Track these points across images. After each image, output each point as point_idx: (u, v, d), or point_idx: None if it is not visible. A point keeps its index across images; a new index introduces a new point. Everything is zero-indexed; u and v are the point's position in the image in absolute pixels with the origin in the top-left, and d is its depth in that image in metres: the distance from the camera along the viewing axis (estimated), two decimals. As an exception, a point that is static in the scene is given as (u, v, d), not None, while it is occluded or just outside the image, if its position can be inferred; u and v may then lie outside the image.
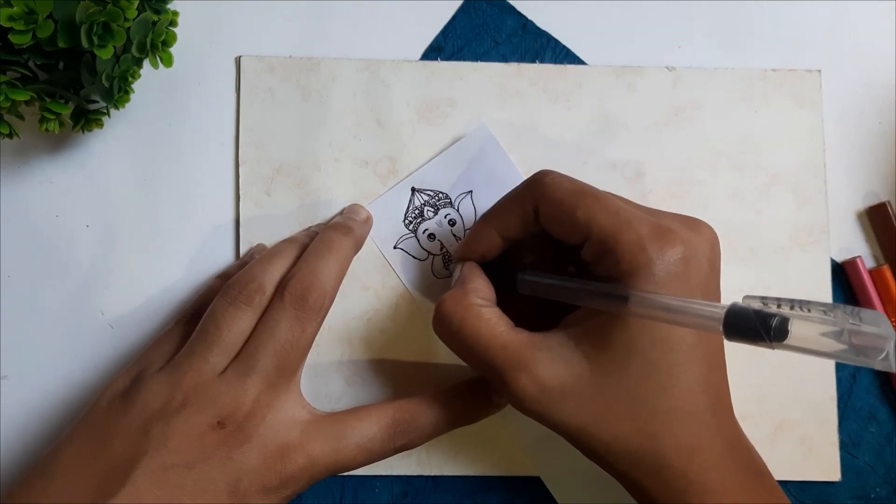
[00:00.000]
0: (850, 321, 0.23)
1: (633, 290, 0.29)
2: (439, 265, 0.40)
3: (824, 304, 0.24)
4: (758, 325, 0.24)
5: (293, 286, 0.33)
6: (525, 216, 0.33)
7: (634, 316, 0.29)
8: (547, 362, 0.30)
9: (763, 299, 0.25)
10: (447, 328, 0.33)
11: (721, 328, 0.25)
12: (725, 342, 0.27)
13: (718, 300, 0.31)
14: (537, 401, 0.30)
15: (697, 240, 0.30)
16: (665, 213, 0.32)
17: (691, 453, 0.30)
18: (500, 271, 0.36)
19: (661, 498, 0.30)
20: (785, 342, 0.24)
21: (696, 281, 0.30)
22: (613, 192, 0.33)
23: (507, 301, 0.35)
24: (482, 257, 0.36)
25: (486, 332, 0.32)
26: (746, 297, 0.25)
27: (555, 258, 0.36)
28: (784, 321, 0.24)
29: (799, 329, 0.24)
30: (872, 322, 0.23)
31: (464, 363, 0.34)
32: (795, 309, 0.24)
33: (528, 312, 0.34)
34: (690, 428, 0.30)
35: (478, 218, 0.36)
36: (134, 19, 0.33)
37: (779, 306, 0.24)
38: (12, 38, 0.30)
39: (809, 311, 0.24)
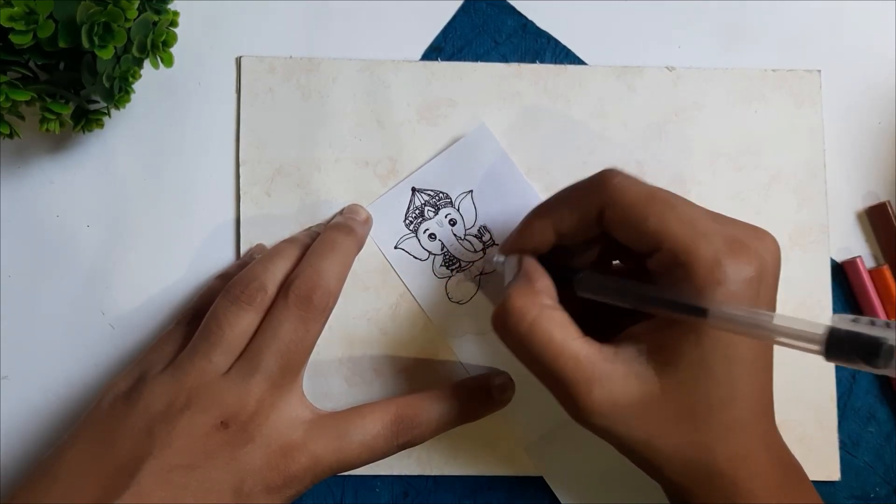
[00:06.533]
0: None
1: (711, 302, 0.27)
2: (440, 265, 0.40)
3: None
4: (865, 351, 0.24)
5: (297, 286, 0.33)
6: (587, 217, 0.31)
7: (714, 328, 0.28)
8: (621, 378, 0.29)
9: (855, 319, 0.25)
10: (515, 329, 0.30)
11: (822, 350, 0.24)
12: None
13: (775, 310, 0.30)
14: (607, 417, 0.29)
15: (766, 254, 0.30)
16: (731, 220, 0.30)
17: (742, 461, 0.29)
18: (547, 268, 0.33)
19: None
20: (890, 366, 0.24)
21: (765, 297, 0.29)
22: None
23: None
24: (533, 252, 0.34)
25: (559, 340, 0.29)
26: (836, 317, 0.25)
27: (609, 261, 0.35)
28: (892, 348, 0.23)
29: None
30: None
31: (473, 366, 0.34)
32: (892, 328, 0.24)
33: (575, 316, 0.31)
34: (742, 437, 0.29)
35: (531, 210, 0.34)
36: (134, 20, 0.33)
37: (873, 324, 0.24)
38: (13, 39, 0.30)
39: None
